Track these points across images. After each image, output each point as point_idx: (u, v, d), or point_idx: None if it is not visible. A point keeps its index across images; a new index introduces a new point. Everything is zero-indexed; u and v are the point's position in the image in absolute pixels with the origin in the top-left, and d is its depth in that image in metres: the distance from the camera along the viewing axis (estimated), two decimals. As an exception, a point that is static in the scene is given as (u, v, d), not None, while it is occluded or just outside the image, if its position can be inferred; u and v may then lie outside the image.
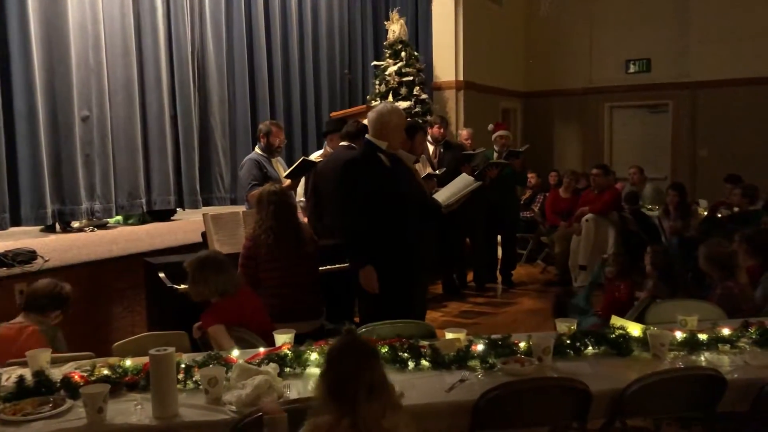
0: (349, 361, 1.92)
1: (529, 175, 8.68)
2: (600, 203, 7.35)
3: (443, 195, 4.26)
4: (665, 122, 10.82)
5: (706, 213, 7.11)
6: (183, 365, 2.48)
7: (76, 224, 5.91)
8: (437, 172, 6.42)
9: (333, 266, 4.70)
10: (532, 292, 7.46)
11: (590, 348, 2.74)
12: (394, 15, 8.35)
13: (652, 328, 2.78)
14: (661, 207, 7.14)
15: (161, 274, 4.28)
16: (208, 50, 6.79)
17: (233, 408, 2.22)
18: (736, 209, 6.63)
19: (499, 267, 7.79)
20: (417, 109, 8.20)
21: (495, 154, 7.47)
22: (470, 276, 7.68)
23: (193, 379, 2.44)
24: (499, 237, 7.77)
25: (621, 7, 10.56)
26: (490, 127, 7.83)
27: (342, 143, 5.30)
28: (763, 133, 9.81)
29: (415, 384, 2.45)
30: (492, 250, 7.79)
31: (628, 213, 7.26)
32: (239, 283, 3.35)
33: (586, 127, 11.26)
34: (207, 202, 6.82)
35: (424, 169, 6.52)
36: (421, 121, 7.44)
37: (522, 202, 8.72)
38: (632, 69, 10.77)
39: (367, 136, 3.98)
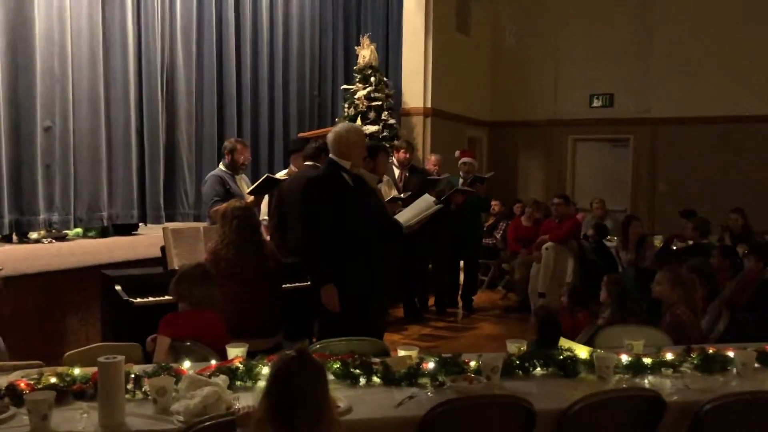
0: (296, 384, 1.86)
1: (493, 203, 8.82)
2: (560, 232, 7.48)
3: (404, 216, 4.33)
4: (626, 156, 11.11)
5: (661, 245, 7.29)
6: (132, 375, 2.47)
7: (33, 235, 5.82)
8: (402, 195, 6.49)
9: (293, 284, 4.71)
10: (492, 317, 7.54)
11: (538, 369, 2.80)
12: (365, 40, 8.47)
13: (598, 351, 2.86)
14: (619, 238, 7.31)
15: (118, 287, 4.24)
16: (177, 65, 6.81)
17: (180, 418, 2.21)
18: (690, 242, 6.82)
19: (460, 292, 7.87)
20: (385, 134, 8.30)
21: (460, 181, 7.58)
22: (431, 300, 7.74)
23: (143, 389, 2.43)
24: (461, 262, 7.86)
25: (586, 42, 10.88)
26: (457, 153, 7.96)
27: (306, 163, 5.35)
28: (719, 169, 10.12)
29: (365, 399, 2.48)
30: (454, 275, 7.87)
31: (588, 242, 7.42)
32: (214, 303, 3.36)
33: (550, 158, 11.50)
34: (170, 218, 6.78)
35: (389, 193, 6.60)
36: (387, 146, 7.53)
37: (485, 228, 8.84)
38: (596, 103, 11.06)
39: (330, 155, 4.04)
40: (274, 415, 1.85)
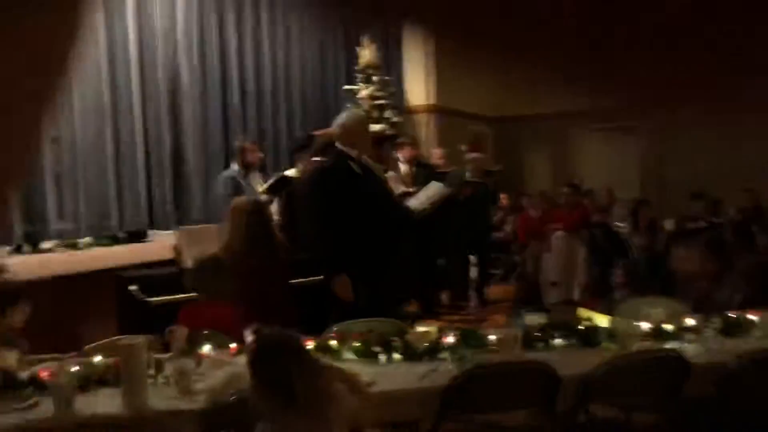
0: (276, 363, 1.89)
1: (501, 196, 8.80)
2: (570, 221, 7.47)
3: (415, 202, 4.33)
4: (633, 143, 11.08)
5: (673, 228, 7.26)
6: (153, 360, 2.47)
7: (46, 245, 5.84)
8: (411, 190, 6.49)
9: (307, 279, 4.70)
10: (505, 310, 7.50)
11: (559, 340, 2.78)
12: (366, 40, 8.49)
13: (619, 318, 2.84)
14: (629, 223, 7.28)
15: (133, 287, 4.24)
16: (181, 68, 6.84)
17: (204, 398, 2.21)
18: (701, 223, 6.79)
19: (472, 286, 7.84)
20: (390, 132, 8.30)
21: (468, 174, 7.58)
22: (444, 294, 7.71)
23: (164, 374, 2.43)
24: (472, 256, 7.84)
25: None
26: (463, 147, 7.96)
27: (314, 158, 5.36)
28: (727, 151, 10.05)
29: (387, 374, 2.47)
30: (465, 269, 7.85)
31: (597, 230, 7.39)
32: (229, 295, 3.37)
33: (556, 149, 11.48)
34: (180, 224, 6.78)
35: (397, 188, 6.59)
36: (393, 142, 7.54)
37: (494, 222, 8.82)
38: (598, 92, 11.02)
39: (336, 144, 4.05)
40: (270, 396, 1.88)
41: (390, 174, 6.64)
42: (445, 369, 2.51)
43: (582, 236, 7.37)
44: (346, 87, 8.62)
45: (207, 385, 2.23)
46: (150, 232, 6.71)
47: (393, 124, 8.42)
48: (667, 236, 6.60)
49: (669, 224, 7.33)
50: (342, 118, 4.09)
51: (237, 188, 5.32)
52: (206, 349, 2.64)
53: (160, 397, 2.26)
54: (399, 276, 4.55)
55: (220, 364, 2.35)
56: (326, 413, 1.87)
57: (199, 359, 2.47)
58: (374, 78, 8.37)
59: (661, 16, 10.01)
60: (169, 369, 2.39)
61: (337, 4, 8.75)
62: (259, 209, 4.16)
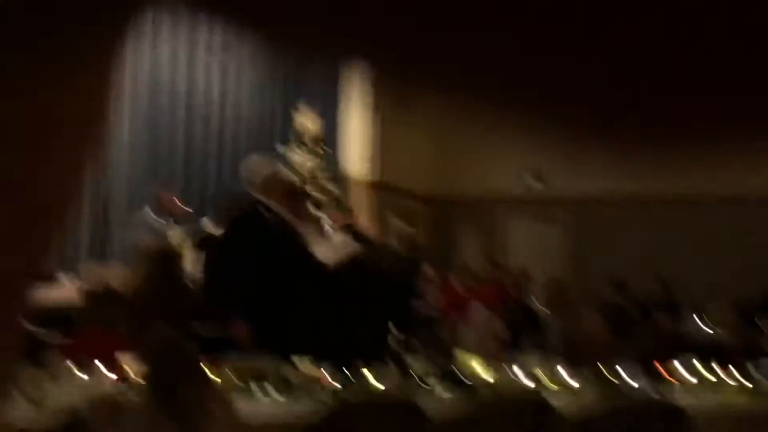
0: (168, 363, 1.94)
1: (427, 270, 8.91)
2: (489, 296, 7.63)
3: (328, 255, 4.38)
4: (558, 233, 11.46)
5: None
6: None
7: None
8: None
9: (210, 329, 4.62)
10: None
11: (434, 381, 2.84)
12: (303, 107, 8.63)
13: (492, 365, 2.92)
14: (544, 300, 7.46)
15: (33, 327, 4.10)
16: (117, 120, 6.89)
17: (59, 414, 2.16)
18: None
19: (391, 357, 7.78)
20: (325, 202, 8.38)
21: (394, 244, 7.70)
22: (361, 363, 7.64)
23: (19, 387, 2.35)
24: (392, 328, 7.82)
25: (516, 120, 11.38)
26: (394, 221, 8.11)
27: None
28: (651, 247, 10.49)
29: (257, 405, 2.46)
30: (384, 338, 7.81)
31: (514, 305, 7.55)
32: (116, 326, 3.33)
33: (485, 233, 11.76)
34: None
35: (319, 250, 6.63)
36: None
37: (417, 294, 8.87)
38: (527, 180, 11.48)
39: (250, 193, 4.10)
40: (160, 399, 1.87)
41: (315, 237, 6.69)
42: (320, 404, 2.52)
43: (499, 311, 7.50)
44: (279, 148, 8.64)
45: (62, 401, 2.18)
46: (62, 276, 6.56)
47: (328, 193, 8.52)
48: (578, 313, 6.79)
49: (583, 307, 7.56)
50: (248, 166, 4.14)
51: (150, 233, 5.27)
52: (66, 364, 2.59)
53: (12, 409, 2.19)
54: (310, 336, 4.54)
55: (76, 379, 2.30)
56: (201, 427, 1.86)
57: (56, 373, 2.42)
58: (310, 145, 8.51)
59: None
60: (24, 381, 2.32)
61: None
62: (166, 250, 4.15)
